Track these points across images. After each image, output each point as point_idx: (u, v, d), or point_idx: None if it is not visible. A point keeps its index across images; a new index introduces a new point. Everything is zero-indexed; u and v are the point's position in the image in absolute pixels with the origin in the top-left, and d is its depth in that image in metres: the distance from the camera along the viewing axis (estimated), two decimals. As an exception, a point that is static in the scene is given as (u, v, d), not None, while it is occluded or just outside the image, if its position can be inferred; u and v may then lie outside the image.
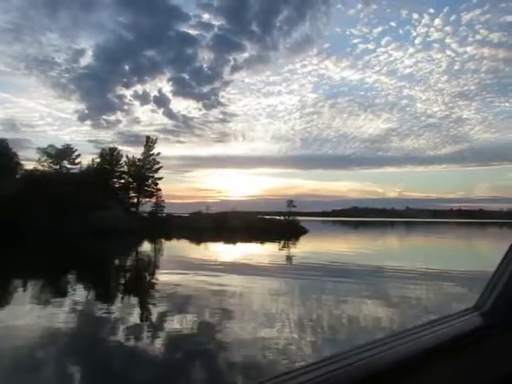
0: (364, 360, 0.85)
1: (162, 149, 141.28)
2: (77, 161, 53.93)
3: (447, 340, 0.97)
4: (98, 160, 53.55)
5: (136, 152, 56.39)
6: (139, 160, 52.61)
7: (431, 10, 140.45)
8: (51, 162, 54.04)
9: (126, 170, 52.83)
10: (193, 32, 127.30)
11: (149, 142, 52.86)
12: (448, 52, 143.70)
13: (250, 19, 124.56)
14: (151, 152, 52.90)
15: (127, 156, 53.10)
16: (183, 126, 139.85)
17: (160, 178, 53.61)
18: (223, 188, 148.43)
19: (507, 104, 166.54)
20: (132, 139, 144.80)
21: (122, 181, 52.97)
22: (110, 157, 52.98)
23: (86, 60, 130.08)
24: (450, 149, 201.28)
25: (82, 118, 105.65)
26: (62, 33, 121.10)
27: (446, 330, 1.01)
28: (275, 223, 51.00)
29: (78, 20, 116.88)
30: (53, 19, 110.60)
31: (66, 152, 55.15)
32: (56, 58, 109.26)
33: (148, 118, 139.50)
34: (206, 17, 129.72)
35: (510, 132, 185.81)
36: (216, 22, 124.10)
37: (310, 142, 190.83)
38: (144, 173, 52.39)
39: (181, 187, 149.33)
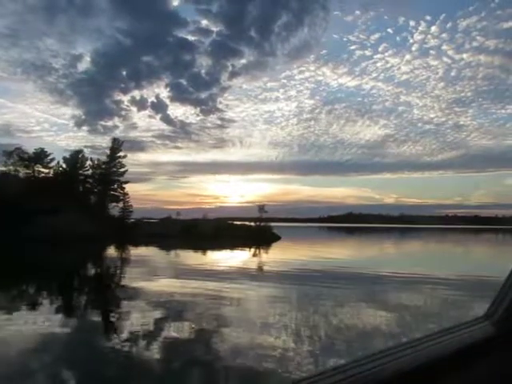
0: (371, 370, 0.83)
1: (158, 154, 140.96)
2: (51, 165, 52.21)
3: (458, 350, 0.95)
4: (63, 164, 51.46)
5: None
6: (104, 163, 50.24)
7: (428, 17, 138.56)
8: (24, 166, 52.14)
9: (90, 174, 50.46)
10: (191, 38, 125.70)
11: (115, 145, 50.53)
12: (445, 59, 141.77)
13: (248, 25, 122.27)
14: (117, 155, 50.56)
15: (91, 159, 50.77)
16: (180, 131, 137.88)
17: (126, 182, 51.24)
18: (220, 194, 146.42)
19: (503, 111, 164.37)
20: (129, 145, 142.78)
21: (87, 185, 50.57)
22: (74, 160, 50.66)
23: (84, 65, 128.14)
24: (446, 155, 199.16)
25: (79, 124, 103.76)
26: (59, 38, 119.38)
27: (457, 340, 0.98)
28: (246, 230, 48.45)
29: (76, 25, 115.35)
30: (50, 24, 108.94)
31: (40, 156, 53.10)
32: (53, 63, 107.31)
33: (145, 124, 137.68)
34: (204, 23, 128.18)
35: (506, 138, 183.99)
36: (214, 28, 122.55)
37: (307, 147, 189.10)
38: (109, 176, 49.97)
39: (177, 193, 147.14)
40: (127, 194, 51.78)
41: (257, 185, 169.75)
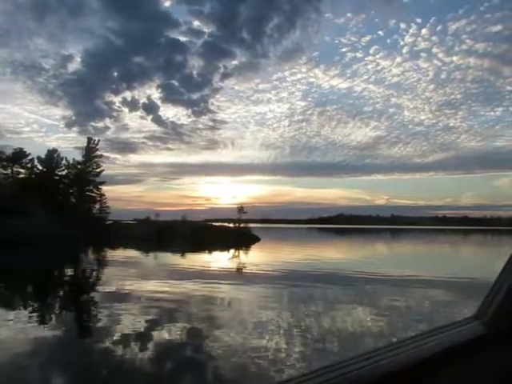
0: (361, 369, 0.84)
1: (150, 156, 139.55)
2: (29, 165, 50.81)
3: (447, 349, 0.96)
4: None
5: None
6: (79, 163, 49.00)
7: (418, 20, 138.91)
8: (1, 167, 50.89)
9: (64, 174, 49.19)
10: (183, 39, 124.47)
11: (90, 144, 49.32)
12: (435, 61, 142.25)
13: (240, 26, 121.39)
14: (93, 154, 49.33)
15: (66, 159, 49.49)
16: (172, 132, 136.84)
17: (102, 183, 50.00)
18: (212, 195, 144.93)
19: (492, 113, 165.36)
20: (120, 146, 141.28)
21: (62, 185, 49.28)
22: (49, 160, 49.37)
23: (74, 66, 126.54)
24: (437, 156, 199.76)
25: (69, 125, 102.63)
26: (49, 38, 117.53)
27: (447, 339, 0.99)
28: (224, 231, 47.46)
29: (67, 25, 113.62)
30: (40, 24, 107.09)
31: (19, 156, 51.73)
32: (43, 63, 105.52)
33: (137, 125, 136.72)
34: (196, 23, 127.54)
35: (496, 140, 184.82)
36: (206, 29, 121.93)
37: (298, 149, 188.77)
38: (84, 176, 48.74)
39: (169, 194, 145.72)
40: (104, 195, 50.67)
41: (249, 186, 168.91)
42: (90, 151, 49.04)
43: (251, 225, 53.09)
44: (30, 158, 50.87)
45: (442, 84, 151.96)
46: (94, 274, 21.16)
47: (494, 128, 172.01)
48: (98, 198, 50.29)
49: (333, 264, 24.89)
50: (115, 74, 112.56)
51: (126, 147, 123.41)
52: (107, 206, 52.58)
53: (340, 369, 0.82)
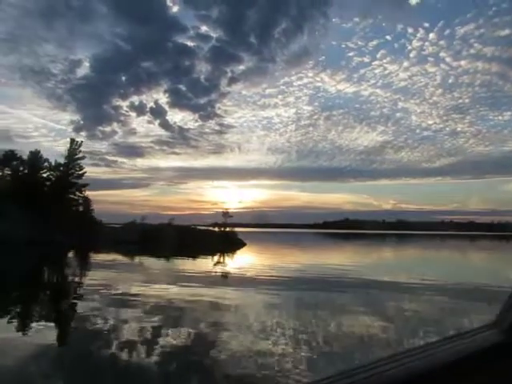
0: (378, 375, 0.82)
1: (157, 160, 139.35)
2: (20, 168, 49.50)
3: (464, 357, 0.93)
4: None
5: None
6: (61, 165, 47.61)
7: (426, 24, 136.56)
8: None
9: (47, 176, 47.84)
10: (190, 43, 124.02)
11: (73, 145, 47.94)
12: (442, 65, 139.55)
13: (247, 31, 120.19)
14: (76, 156, 47.94)
15: (48, 160, 48.14)
16: (179, 137, 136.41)
17: (85, 185, 48.54)
18: (218, 200, 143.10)
19: (500, 117, 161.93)
20: (128, 150, 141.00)
21: (44, 188, 47.90)
22: (32, 162, 48.09)
23: (83, 71, 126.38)
24: (444, 161, 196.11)
25: (77, 129, 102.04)
26: (58, 43, 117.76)
27: (463, 347, 0.96)
28: (209, 236, 45.56)
29: (75, 30, 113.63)
30: (49, 29, 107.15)
31: (9, 158, 50.57)
32: (52, 68, 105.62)
33: (144, 130, 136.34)
34: (203, 28, 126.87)
35: (504, 145, 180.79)
36: (214, 34, 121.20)
37: (305, 154, 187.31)
38: (67, 178, 47.32)
39: (175, 199, 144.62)
40: (87, 198, 49.19)
41: (255, 191, 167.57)
42: (72, 153, 47.66)
43: (238, 229, 51.46)
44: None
45: (449, 88, 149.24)
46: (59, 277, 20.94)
47: (502, 132, 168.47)
48: (81, 201, 48.83)
49: (295, 269, 23.41)
50: (123, 78, 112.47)
51: (133, 151, 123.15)
52: (91, 209, 51.25)
53: (357, 374, 0.80)
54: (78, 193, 48.24)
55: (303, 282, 18.17)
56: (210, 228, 48.13)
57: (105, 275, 20.46)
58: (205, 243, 42.63)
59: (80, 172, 47.67)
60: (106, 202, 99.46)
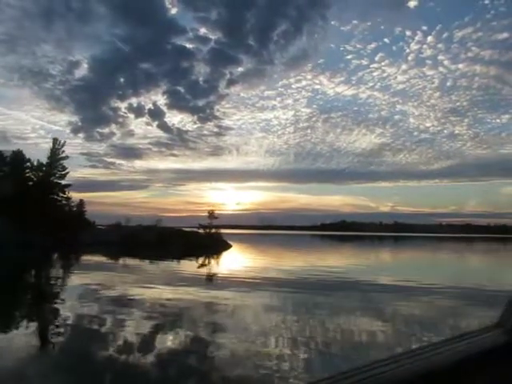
0: (380, 375, 0.83)
1: (155, 162, 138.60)
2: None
3: (468, 357, 0.94)
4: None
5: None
6: (43, 165, 46.56)
7: (424, 27, 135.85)
8: None
9: (28, 176, 46.76)
10: (189, 45, 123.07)
11: (56, 145, 46.91)
12: (440, 68, 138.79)
13: (246, 33, 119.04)
14: (58, 156, 46.91)
15: (30, 160, 47.09)
16: (177, 139, 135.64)
17: (68, 186, 47.50)
18: (216, 202, 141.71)
19: (498, 120, 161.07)
20: (126, 152, 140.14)
21: (25, 188, 46.80)
22: (13, 162, 47.06)
23: (81, 72, 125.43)
24: (442, 164, 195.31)
25: (75, 131, 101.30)
26: (56, 44, 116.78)
27: (468, 347, 0.97)
28: (194, 238, 44.48)
29: (74, 31, 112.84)
30: (48, 30, 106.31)
31: None
32: (50, 69, 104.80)
33: (142, 131, 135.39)
34: (202, 30, 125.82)
35: (501, 148, 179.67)
36: (213, 36, 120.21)
37: (303, 156, 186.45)
38: (49, 179, 46.28)
39: (173, 201, 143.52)
40: (70, 199, 48.17)
41: (253, 193, 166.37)
42: (55, 153, 46.63)
43: (232, 231, 50.57)
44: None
45: (447, 91, 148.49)
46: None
47: (499, 135, 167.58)
48: (65, 202, 47.80)
49: (274, 271, 22.58)
50: (121, 80, 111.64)
51: (132, 153, 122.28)
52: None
53: (357, 375, 0.80)
54: (60, 193, 47.14)
55: (275, 285, 17.41)
56: (196, 230, 47.01)
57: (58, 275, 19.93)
58: (188, 245, 41.61)
59: (63, 172, 46.64)
60: (104, 203, 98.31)
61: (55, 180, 46.62)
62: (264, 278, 19.28)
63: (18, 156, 47.85)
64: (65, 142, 47.87)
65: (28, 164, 47.26)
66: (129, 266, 27.15)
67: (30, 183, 47.17)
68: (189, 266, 27.53)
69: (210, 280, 20.14)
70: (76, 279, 19.40)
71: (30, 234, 41.14)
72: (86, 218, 53.04)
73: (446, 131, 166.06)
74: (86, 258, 33.57)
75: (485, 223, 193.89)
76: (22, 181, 46.84)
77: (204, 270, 25.35)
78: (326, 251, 49.28)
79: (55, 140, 47.32)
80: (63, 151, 47.03)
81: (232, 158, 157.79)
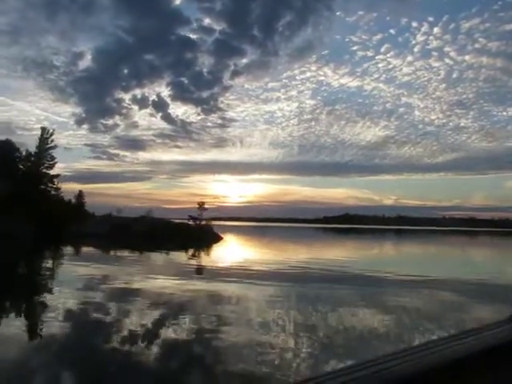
0: (390, 369, 0.82)
1: (159, 153, 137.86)
2: None
3: (480, 352, 0.94)
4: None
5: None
6: (32, 155, 45.81)
7: (430, 19, 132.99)
8: None
9: (17, 167, 46.03)
10: (193, 36, 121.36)
11: (44, 134, 46.08)
12: (447, 60, 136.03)
13: (251, 24, 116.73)
14: (47, 146, 46.11)
15: (19, 150, 46.33)
16: (181, 130, 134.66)
17: (57, 176, 46.77)
18: (220, 194, 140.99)
19: (505, 113, 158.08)
20: (129, 143, 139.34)
21: (14, 178, 46.13)
22: (2, 151, 46.31)
23: (85, 63, 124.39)
24: (447, 157, 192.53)
25: (80, 122, 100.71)
26: (60, 35, 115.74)
27: (479, 342, 0.97)
28: (183, 230, 43.58)
29: (78, 23, 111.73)
30: (52, 21, 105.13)
31: None
32: (54, 60, 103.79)
33: (146, 123, 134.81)
34: (207, 21, 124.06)
35: (508, 141, 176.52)
36: (217, 27, 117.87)
37: (307, 148, 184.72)
38: (37, 169, 45.55)
39: (177, 192, 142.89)
40: (59, 189, 47.43)
41: (256, 185, 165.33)
42: (43, 142, 45.82)
43: (226, 222, 49.65)
44: None
45: (453, 83, 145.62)
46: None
47: (505, 128, 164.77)
48: (54, 192, 47.10)
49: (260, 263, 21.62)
50: (125, 71, 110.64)
51: (135, 144, 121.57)
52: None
53: (368, 368, 0.80)
54: (50, 184, 46.43)
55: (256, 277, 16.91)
56: (186, 221, 46.12)
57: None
58: (179, 236, 40.76)
59: (51, 162, 45.86)
60: (108, 194, 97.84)
61: (44, 170, 45.84)
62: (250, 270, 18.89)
63: (7, 146, 47.14)
64: (53, 130, 47.07)
65: (17, 154, 46.48)
66: (104, 258, 26.32)
67: (20, 173, 46.48)
68: (172, 259, 26.71)
69: (192, 273, 19.44)
70: (52, 272, 18.89)
71: (16, 225, 40.56)
72: (85, 210, 52.44)
73: (451, 124, 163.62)
74: (70, 249, 33.11)
75: (489, 217, 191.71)
76: (10, 171, 46.17)
77: (191, 263, 24.71)
78: (324, 245, 48.17)
79: (43, 129, 46.61)
80: (52, 140, 46.21)
81: (236, 150, 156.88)
